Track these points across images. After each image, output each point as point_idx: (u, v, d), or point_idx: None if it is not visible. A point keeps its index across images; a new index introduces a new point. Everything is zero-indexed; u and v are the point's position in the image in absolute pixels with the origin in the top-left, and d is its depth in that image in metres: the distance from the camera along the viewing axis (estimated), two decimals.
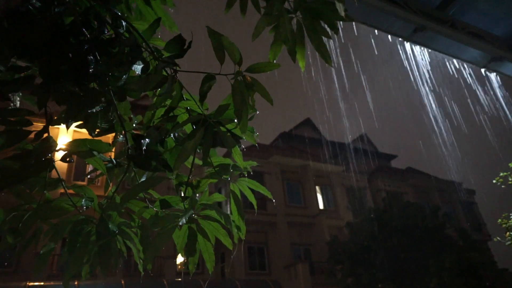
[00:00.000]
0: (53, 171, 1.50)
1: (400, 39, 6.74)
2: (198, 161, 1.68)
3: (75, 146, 1.53)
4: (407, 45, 7.00)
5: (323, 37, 1.65)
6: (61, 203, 1.54)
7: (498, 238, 14.71)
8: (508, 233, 13.80)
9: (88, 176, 13.77)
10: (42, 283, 14.20)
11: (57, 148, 1.46)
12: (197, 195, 1.72)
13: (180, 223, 1.43)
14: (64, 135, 16.61)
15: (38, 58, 1.33)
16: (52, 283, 14.23)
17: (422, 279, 16.45)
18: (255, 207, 1.89)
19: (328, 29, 1.64)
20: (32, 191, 1.56)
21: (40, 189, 1.54)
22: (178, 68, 1.52)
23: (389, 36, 6.95)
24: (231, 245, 1.73)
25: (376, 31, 6.53)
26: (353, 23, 6.34)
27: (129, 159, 1.51)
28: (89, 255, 1.56)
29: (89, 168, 14.58)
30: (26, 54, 1.33)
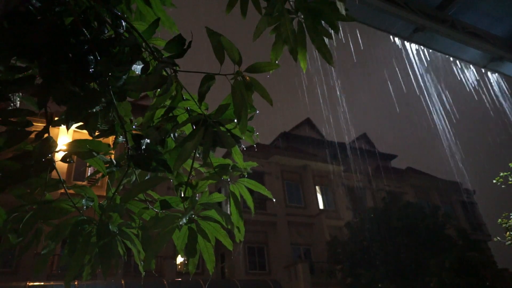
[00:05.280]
0: (54, 172, 1.50)
1: (400, 39, 6.74)
2: (196, 164, 1.68)
3: (75, 147, 1.53)
4: (408, 44, 7.00)
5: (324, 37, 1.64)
6: (61, 203, 1.53)
7: (498, 238, 14.72)
8: (508, 233, 13.82)
9: (89, 179, 13.77)
10: (42, 283, 14.19)
11: (57, 149, 1.46)
12: (197, 195, 1.71)
13: (180, 223, 1.43)
14: (64, 136, 16.61)
15: (38, 58, 1.33)
16: (52, 283, 14.22)
17: (422, 279, 16.45)
18: (253, 210, 1.89)
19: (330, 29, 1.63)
20: (32, 192, 1.55)
21: (41, 189, 1.54)
22: (178, 68, 1.52)
23: (390, 36, 6.95)
24: (231, 245, 1.73)
25: (375, 30, 6.53)
26: (352, 23, 6.34)
27: (129, 159, 1.51)
28: (90, 255, 1.56)
29: (90, 169, 14.58)
30: (26, 54, 1.33)
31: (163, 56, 1.54)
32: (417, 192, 28.96)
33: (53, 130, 1.49)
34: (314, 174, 25.57)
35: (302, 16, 1.64)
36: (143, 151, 1.48)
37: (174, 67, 1.50)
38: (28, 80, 1.40)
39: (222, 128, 1.50)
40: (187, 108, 1.68)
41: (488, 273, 14.92)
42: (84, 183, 15.99)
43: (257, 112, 1.65)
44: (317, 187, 25.58)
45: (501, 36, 7.03)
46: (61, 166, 14.98)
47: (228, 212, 1.76)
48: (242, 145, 1.65)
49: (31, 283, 13.99)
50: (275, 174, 24.18)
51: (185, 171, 1.75)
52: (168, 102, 1.61)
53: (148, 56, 1.57)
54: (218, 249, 20.04)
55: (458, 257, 15.39)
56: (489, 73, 7.89)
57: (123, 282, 14.97)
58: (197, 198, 1.69)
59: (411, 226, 17.60)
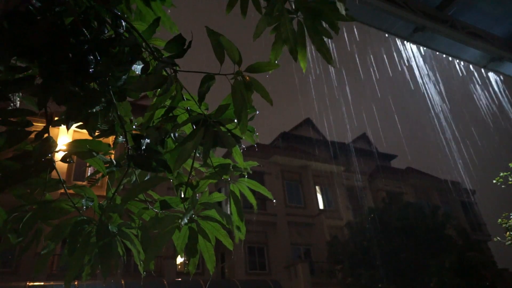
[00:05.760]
0: (54, 172, 1.50)
1: (401, 39, 6.74)
2: (196, 164, 1.68)
3: (75, 147, 1.53)
4: (408, 45, 7.00)
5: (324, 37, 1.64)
6: (61, 203, 1.53)
7: (498, 238, 14.73)
8: (508, 233, 13.83)
9: (89, 179, 13.79)
10: (42, 283, 14.19)
11: (57, 149, 1.46)
12: (197, 195, 1.71)
13: (182, 223, 1.43)
14: (64, 136, 16.60)
15: (38, 58, 1.33)
16: (52, 283, 14.21)
17: (422, 279, 16.46)
18: (255, 208, 1.89)
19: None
20: (32, 192, 1.55)
21: (41, 189, 1.54)
22: (178, 68, 1.52)
23: (388, 36, 6.95)
24: (231, 245, 1.73)
25: (376, 30, 6.52)
26: (352, 23, 6.33)
27: (129, 159, 1.51)
28: (89, 256, 1.56)
29: (90, 169, 14.58)
30: (26, 54, 1.33)
31: (163, 56, 1.54)
32: (417, 192, 28.95)
33: (53, 130, 1.49)
34: (314, 174, 25.56)
35: (302, 16, 1.64)
36: (143, 151, 1.48)
37: (174, 67, 1.50)
38: (28, 80, 1.40)
39: (222, 128, 1.50)
40: (187, 108, 1.68)
41: (488, 273, 14.92)
42: (84, 183, 15.97)
43: (257, 112, 1.65)
44: (317, 187, 25.58)
45: (501, 36, 7.03)
46: (61, 166, 14.97)
47: (228, 211, 1.76)
48: (242, 145, 1.65)
49: (31, 283, 13.98)
50: (275, 174, 24.18)
51: (185, 171, 1.75)
52: (168, 102, 1.61)
53: (148, 56, 1.57)
54: (218, 249, 20.03)
55: (458, 257, 15.40)
56: (489, 73, 7.89)
57: (123, 282, 14.96)
58: (197, 198, 1.69)
59: (411, 226, 17.60)
